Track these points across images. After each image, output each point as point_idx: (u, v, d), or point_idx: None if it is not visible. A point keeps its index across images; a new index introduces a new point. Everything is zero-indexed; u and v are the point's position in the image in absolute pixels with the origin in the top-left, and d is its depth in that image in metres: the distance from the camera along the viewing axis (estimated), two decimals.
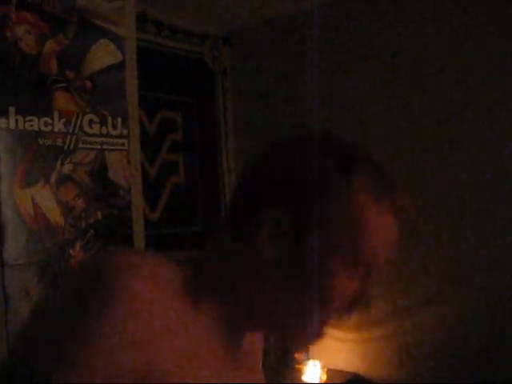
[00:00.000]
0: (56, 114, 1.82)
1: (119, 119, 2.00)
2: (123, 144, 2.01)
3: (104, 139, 1.95)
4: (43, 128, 1.79)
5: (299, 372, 2.47)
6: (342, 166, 0.67)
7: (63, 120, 1.83)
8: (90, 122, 1.91)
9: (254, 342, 0.80)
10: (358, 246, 0.67)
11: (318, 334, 0.71)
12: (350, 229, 0.66)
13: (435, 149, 2.27)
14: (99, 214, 1.92)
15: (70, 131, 1.85)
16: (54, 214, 1.80)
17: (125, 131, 2.02)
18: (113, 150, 1.97)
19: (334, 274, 0.66)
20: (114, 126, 1.98)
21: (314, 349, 2.58)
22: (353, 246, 0.66)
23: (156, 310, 0.59)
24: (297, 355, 2.53)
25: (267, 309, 0.70)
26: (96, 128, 1.93)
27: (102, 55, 1.94)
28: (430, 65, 2.29)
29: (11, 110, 1.71)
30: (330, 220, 0.66)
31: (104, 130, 1.95)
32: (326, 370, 2.45)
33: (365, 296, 0.71)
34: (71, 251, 1.82)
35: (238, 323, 0.71)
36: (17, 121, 1.73)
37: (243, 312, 0.71)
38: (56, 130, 1.82)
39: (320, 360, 2.47)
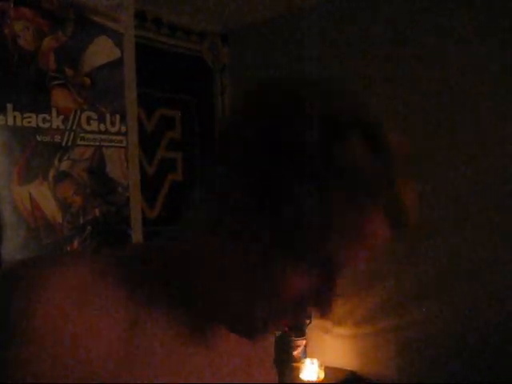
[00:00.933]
0: (54, 111, 1.82)
1: (117, 116, 2.00)
2: (121, 141, 2.01)
3: (102, 136, 1.95)
4: (41, 125, 1.78)
5: (297, 370, 2.47)
6: (331, 131, 0.51)
7: (61, 117, 1.83)
8: (88, 118, 1.91)
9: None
10: (320, 241, 0.53)
11: (267, 327, 0.60)
12: (319, 218, 0.52)
13: (434, 145, 2.27)
14: (97, 211, 1.91)
15: (68, 128, 1.85)
16: (52, 210, 1.80)
17: (123, 128, 2.02)
18: (111, 146, 1.97)
19: (284, 264, 0.54)
20: (113, 123, 1.98)
21: (312, 347, 2.59)
22: (315, 240, 0.53)
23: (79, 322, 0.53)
24: (295, 353, 2.53)
25: (216, 290, 0.59)
26: (94, 125, 1.92)
27: (101, 52, 1.94)
28: (431, 63, 2.29)
29: (9, 106, 1.71)
30: (301, 199, 0.51)
31: (102, 127, 1.95)
32: (323, 367, 2.45)
33: (323, 300, 0.58)
34: (69, 248, 1.82)
35: (196, 314, 0.62)
36: (15, 117, 1.72)
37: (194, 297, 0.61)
38: (54, 126, 1.82)
39: (318, 358, 2.47)
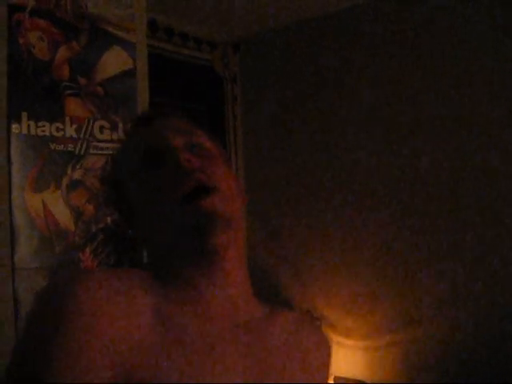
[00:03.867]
0: (67, 120, 1.84)
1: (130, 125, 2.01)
2: None
3: (115, 145, 1.96)
4: (55, 133, 1.80)
5: None
6: None
7: (74, 126, 1.85)
8: (101, 128, 1.93)
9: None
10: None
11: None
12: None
13: (436, 147, 2.27)
14: (109, 219, 1.93)
15: (81, 137, 1.87)
16: (65, 218, 1.81)
17: None
18: None
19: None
20: (125, 133, 1.99)
21: None
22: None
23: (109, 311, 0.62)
24: None
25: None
26: (107, 134, 1.94)
27: (114, 62, 1.96)
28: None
29: (23, 115, 1.73)
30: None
31: (115, 136, 1.96)
32: (333, 377, 2.45)
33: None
34: (81, 255, 1.83)
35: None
36: (29, 126, 1.74)
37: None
38: (67, 135, 1.83)
39: None
